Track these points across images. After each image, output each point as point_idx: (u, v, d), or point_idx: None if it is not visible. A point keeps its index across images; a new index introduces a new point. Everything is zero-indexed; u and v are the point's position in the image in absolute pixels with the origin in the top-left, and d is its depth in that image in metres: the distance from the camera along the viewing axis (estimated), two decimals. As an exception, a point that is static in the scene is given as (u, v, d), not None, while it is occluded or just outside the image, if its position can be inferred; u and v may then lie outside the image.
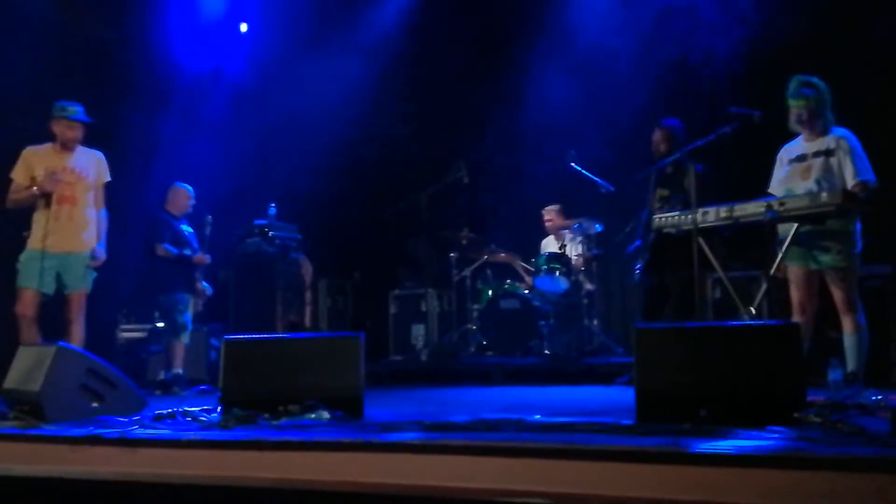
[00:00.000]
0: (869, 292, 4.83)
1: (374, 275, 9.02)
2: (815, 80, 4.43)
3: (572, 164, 7.04)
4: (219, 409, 3.59)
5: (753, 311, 4.33)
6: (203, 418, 3.42)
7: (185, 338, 6.53)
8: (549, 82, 8.20)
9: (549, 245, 7.99)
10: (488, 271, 8.01)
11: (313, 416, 3.34)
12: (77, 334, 5.30)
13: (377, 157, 9.19)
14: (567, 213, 7.82)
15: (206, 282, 6.81)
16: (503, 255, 8.00)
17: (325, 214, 8.88)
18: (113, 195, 5.80)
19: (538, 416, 3.44)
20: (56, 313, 5.42)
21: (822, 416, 2.92)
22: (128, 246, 6.61)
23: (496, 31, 8.68)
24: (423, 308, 8.27)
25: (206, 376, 6.91)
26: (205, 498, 2.98)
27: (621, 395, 4.85)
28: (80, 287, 5.37)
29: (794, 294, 4.48)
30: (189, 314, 6.57)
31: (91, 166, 5.54)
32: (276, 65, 8.92)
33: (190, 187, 6.82)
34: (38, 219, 5.34)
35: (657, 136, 5.75)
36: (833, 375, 3.87)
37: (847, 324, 4.29)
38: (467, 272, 7.97)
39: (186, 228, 6.75)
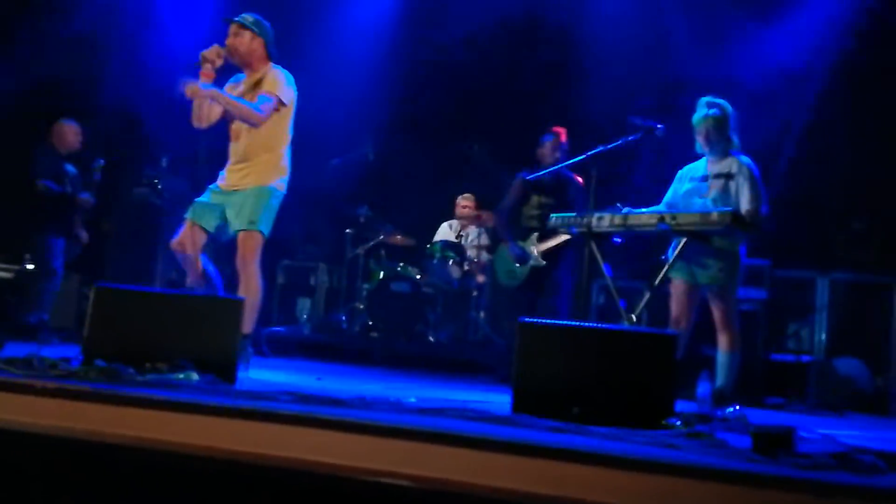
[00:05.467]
0: (744, 314, 5.04)
1: (265, 242, 8.79)
2: (720, 101, 4.56)
3: (476, 156, 7.07)
4: (80, 358, 3.40)
5: (634, 319, 4.43)
6: (62, 367, 3.22)
7: (54, 283, 6.19)
8: (462, 68, 8.20)
9: (444, 233, 7.99)
10: (382, 252, 7.94)
11: (182, 376, 3.21)
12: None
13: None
14: (480, 205, 7.83)
15: (85, 228, 6.48)
16: (399, 237, 7.96)
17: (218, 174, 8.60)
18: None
19: (414, 399, 3.41)
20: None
21: (688, 425, 3.00)
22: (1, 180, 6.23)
23: (421, 12, 8.61)
24: (312, 281, 8.15)
25: (74, 326, 6.59)
26: (57, 450, 2.81)
27: (498, 388, 4.89)
28: (237, 227, 4.64)
29: (674, 307, 4.61)
30: (62, 259, 6.23)
31: None
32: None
33: (76, 123, 6.44)
34: None
35: (549, 144, 5.85)
36: (702, 389, 4.00)
37: (722, 341, 4.44)
38: (361, 250, 7.89)
39: (70, 168, 6.38)
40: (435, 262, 7.43)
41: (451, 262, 7.42)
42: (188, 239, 4.52)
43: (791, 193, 6.37)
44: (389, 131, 8.45)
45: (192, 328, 3.49)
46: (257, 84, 4.51)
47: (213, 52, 4.43)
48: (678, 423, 3.02)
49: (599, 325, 4.05)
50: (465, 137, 7.78)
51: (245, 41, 4.52)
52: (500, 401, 3.79)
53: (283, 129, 4.55)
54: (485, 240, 7.74)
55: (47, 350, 4.02)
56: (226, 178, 4.59)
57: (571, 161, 5.13)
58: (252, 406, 2.74)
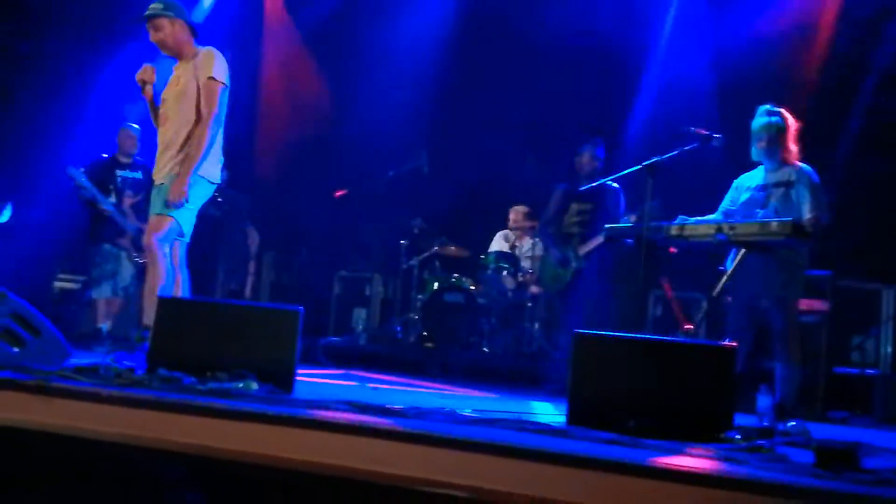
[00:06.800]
0: (805, 326, 4.92)
1: (322, 254, 8.93)
2: (782, 110, 4.48)
3: (529, 165, 7.07)
4: (144, 367, 3.50)
5: (692, 329, 4.37)
6: (126, 376, 3.31)
7: (100, 292, 6.30)
8: (518, 85, 8.22)
9: (499, 244, 7.99)
10: (436, 263, 7.97)
11: (241, 385, 3.27)
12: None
13: (338, 136, 9.11)
14: (532, 216, 7.83)
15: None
16: (453, 248, 7.98)
17: (279, 188, 8.77)
18: (56, 137, 5.50)
19: (469, 410, 3.42)
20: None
21: (748, 439, 2.95)
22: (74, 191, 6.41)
23: (475, 29, 8.67)
24: (367, 292, 8.22)
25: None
26: (120, 455, 2.89)
27: (553, 399, 4.87)
28: (152, 210, 4.33)
29: (733, 318, 4.53)
30: (109, 267, 6.32)
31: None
32: (246, 32, 8.77)
33: (135, 126, 6.40)
34: None
35: (587, 154, 5.92)
36: (762, 402, 3.92)
37: (782, 353, 4.35)
38: (415, 261, 7.93)
39: (131, 174, 6.48)
40: (489, 272, 7.43)
41: (504, 273, 7.41)
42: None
43: (855, 201, 6.23)
44: (444, 142, 8.50)
45: (251, 338, 3.55)
46: (190, 68, 4.28)
47: (146, 73, 4.34)
48: (737, 436, 2.97)
49: (657, 336, 4.01)
50: (518, 149, 7.80)
51: (168, 31, 4.28)
52: (555, 412, 3.77)
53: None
54: (539, 250, 7.70)
55: (113, 358, 4.13)
56: (157, 171, 4.37)
57: (628, 171, 5.09)
58: (309, 415, 2.78)
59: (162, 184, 4.30)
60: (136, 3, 4.56)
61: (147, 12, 4.31)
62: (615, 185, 5.72)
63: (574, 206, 5.96)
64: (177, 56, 4.37)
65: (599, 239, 5.58)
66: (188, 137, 4.25)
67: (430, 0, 8.70)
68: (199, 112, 4.24)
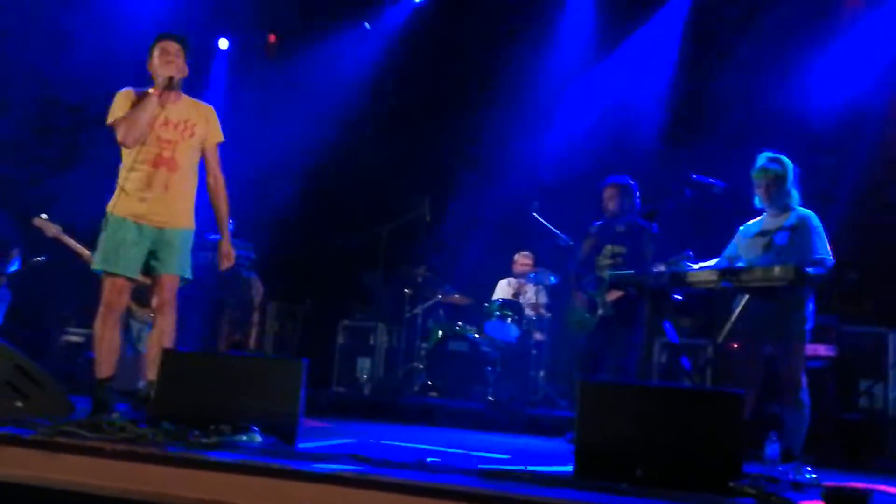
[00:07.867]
0: (812, 371, 4.89)
1: (326, 303, 8.92)
2: (781, 156, 4.51)
3: (534, 213, 7.09)
4: (148, 421, 3.48)
5: (697, 378, 4.35)
6: (130, 429, 3.29)
7: None
8: (521, 130, 8.31)
9: (503, 291, 7.99)
10: (441, 311, 7.96)
11: (245, 438, 3.25)
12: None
13: (341, 186, 9.18)
14: (537, 262, 7.83)
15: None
16: (457, 296, 7.98)
17: (283, 238, 8.80)
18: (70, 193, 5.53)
19: (476, 462, 3.39)
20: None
21: (757, 488, 2.92)
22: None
23: (472, 76, 8.79)
24: (372, 341, 8.19)
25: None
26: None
27: (562, 449, 4.82)
28: (175, 270, 4.28)
29: (739, 364, 4.51)
30: None
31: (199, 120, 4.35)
32: (248, 82, 8.91)
33: None
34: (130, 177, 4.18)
35: (609, 192, 5.81)
36: (770, 449, 3.89)
37: (789, 399, 4.32)
38: (420, 310, 7.93)
39: None
40: (493, 320, 7.42)
41: (508, 320, 7.40)
42: (123, 294, 4.21)
43: (860, 247, 6.23)
44: (446, 190, 8.56)
45: (255, 390, 3.54)
46: (202, 122, 4.33)
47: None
48: (746, 485, 2.94)
49: (663, 384, 3.99)
50: (522, 195, 7.83)
51: (181, 65, 4.25)
52: (562, 462, 3.73)
53: None
54: (543, 298, 7.71)
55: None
56: (146, 210, 4.19)
57: (630, 217, 5.10)
58: (313, 469, 2.76)
59: (163, 228, 4.23)
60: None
61: (185, 42, 4.31)
62: (654, 226, 5.55)
63: (608, 249, 5.72)
64: (169, 88, 4.23)
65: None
66: (191, 190, 4.37)
67: (432, 45, 8.84)
68: (206, 168, 4.41)
